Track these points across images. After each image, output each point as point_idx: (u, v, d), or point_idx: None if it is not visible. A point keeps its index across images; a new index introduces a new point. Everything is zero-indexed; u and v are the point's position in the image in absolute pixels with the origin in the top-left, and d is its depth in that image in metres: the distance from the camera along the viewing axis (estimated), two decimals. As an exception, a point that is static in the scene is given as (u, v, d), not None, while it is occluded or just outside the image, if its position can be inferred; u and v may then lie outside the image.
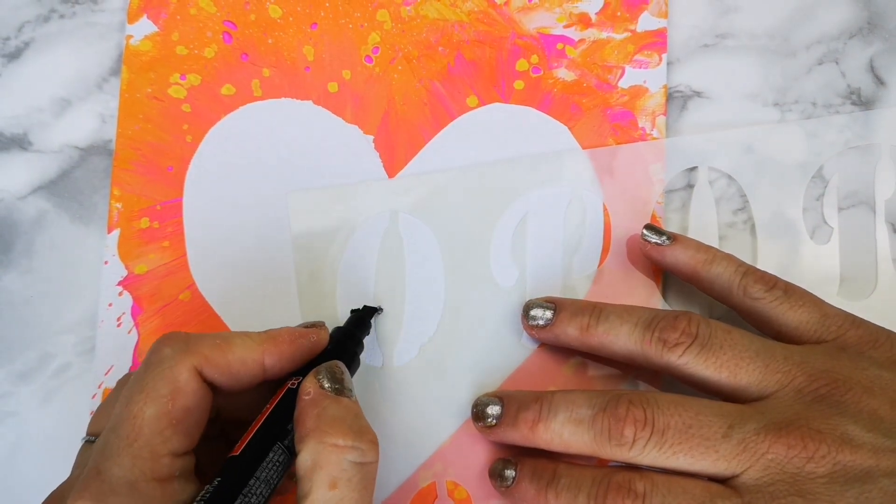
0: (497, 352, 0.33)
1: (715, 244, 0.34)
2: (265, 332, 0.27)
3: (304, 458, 0.24)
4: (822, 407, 0.26)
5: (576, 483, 0.27)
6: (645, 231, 0.32)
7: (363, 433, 0.24)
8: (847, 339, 0.28)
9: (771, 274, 0.30)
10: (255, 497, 0.24)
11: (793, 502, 0.25)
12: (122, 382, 0.28)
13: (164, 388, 0.24)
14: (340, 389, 0.26)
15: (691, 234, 0.34)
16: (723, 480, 0.26)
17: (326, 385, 0.25)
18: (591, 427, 0.27)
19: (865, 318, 0.29)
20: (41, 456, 0.33)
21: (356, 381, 0.29)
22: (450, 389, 0.32)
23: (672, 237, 0.31)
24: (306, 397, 0.25)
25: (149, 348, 0.26)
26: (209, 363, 0.25)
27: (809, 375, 0.27)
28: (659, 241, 0.31)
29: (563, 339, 0.31)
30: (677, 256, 0.31)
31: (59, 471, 0.33)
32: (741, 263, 0.30)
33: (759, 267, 0.33)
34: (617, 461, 0.27)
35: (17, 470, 0.33)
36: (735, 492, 0.26)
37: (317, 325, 0.28)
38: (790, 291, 0.29)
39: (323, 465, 0.23)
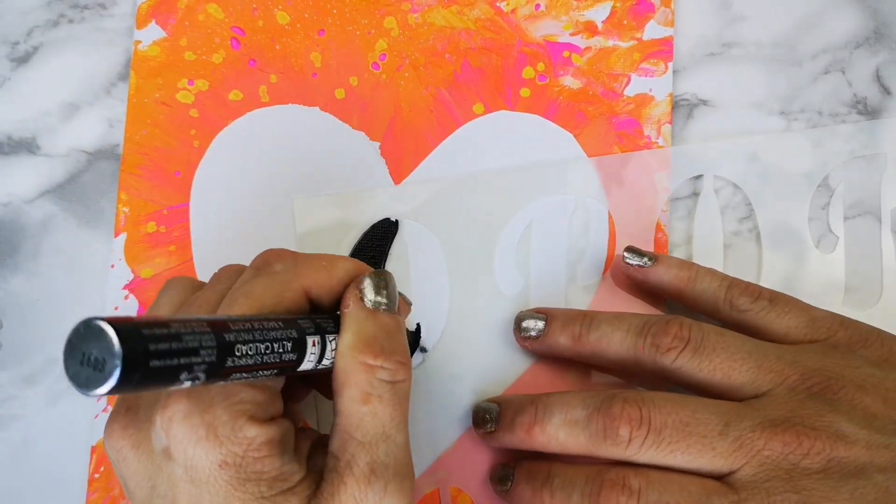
0: (501, 359, 0.33)
1: (720, 253, 0.34)
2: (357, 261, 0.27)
3: (339, 370, 0.25)
4: (816, 404, 0.26)
5: (570, 481, 0.28)
6: (626, 254, 0.32)
7: (393, 353, 0.25)
8: (838, 339, 0.29)
9: (755, 284, 0.30)
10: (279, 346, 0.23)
11: (788, 499, 0.25)
12: (175, 283, 0.27)
13: (270, 301, 0.24)
14: (379, 303, 0.26)
15: (696, 243, 0.34)
16: (719, 477, 0.26)
17: (369, 297, 0.26)
18: (586, 427, 0.27)
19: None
20: (47, 459, 0.33)
21: None
22: (453, 396, 0.32)
23: (653, 257, 0.31)
24: (346, 310, 0.25)
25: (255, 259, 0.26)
26: (317, 284, 0.25)
27: (802, 374, 0.27)
28: (640, 263, 0.31)
29: (556, 350, 0.31)
30: (661, 276, 0.31)
31: (64, 474, 0.33)
32: (725, 277, 0.31)
33: (763, 276, 0.33)
34: (615, 460, 0.27)
35: (23, 473, 0.33)
36: (731, 489, 0.26)
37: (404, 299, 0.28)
38: (776, 300, 0.30)
39: (354, 382, 0.24)
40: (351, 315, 0.25)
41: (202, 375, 0.19)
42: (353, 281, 0.26)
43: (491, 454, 0.32)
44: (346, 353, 0.25)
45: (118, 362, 0.17)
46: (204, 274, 0.34)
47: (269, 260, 0.26)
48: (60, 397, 0.34)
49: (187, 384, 0.19)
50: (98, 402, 0.33)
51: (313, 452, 0.25)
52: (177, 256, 0.34)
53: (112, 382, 0.17)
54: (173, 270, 0.34)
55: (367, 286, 0.26)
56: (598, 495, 0.26)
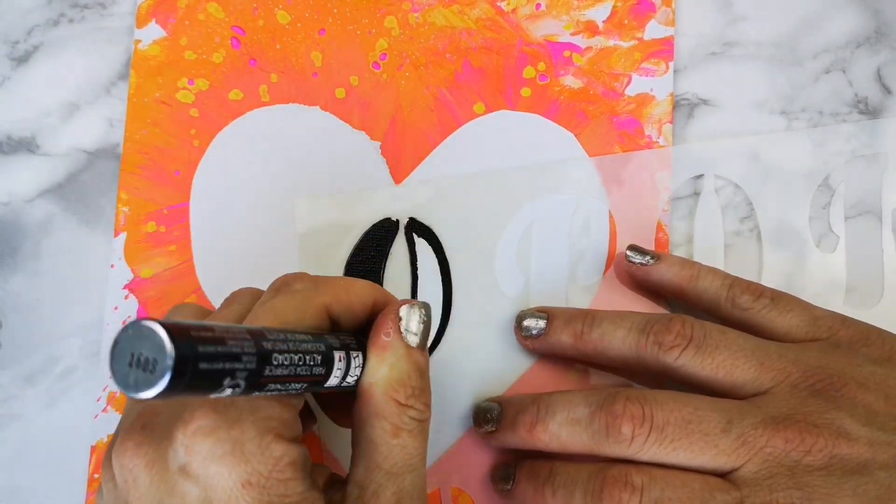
0: (501, 359, 0.33)
1: (721, 252, 0.34)
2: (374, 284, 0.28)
3: (370, 401, 0.25)
4: (818, 401, 0.26)
5: (571, 479, 0.27)
6: (628, 252, 0.32)
7: (423, 393, 0.26)
8: (839, 337, 0.29)
9: (757, 283, 0.30)
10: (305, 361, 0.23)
11: (791, 495, 0.25)
12: (181, 309, 0.27)
13: (293, 317, 0.24)
14: (416, 335, 0.26)
15: (697, 243, 0.34)
16: (721, 475, 0.26)
17: (411, 328, 0.26)
18: (588, 426, 0.27)
19: None
20: (46, 459, 0.33)
21: None
22: (454, 396, 0.32)
23: (656, 256, 0.31)
24: (385, 339, 0.25)
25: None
26: (337, 301, 0.26)
27: (804, 371, 0.27)
28: (643, 262, 0.31)
29: (558, 348, 0.31)
30: (662, 275, 0.31)
31: (64, 474, 0.33)
32: (726, 276, 0.31)
33: (764, 276, 0.33)
34: (617, 459, 0.27)
35: (22, 473, 0.33)
36: (734, 485, 0.26)
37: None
38: (777, 298, 0.30)
39: (385, 415, 0.25)
40: (390, 347, 0.25)
41: (242, 383, 0.19)
42: (392, 306, 0.26)
43: (492, 454, 0.32)
44: (378, 386, 0.25)
45: (170, 362, 0.17)
46: (204, 273, 0.34)
47: (289, 281, 0.26)
48: (60, 397, 0.33)
49: (228, 392, 0.19)
50: (97, 402, 0.33)
51: (329, 486, 0.25)
52: (177, 256, 0.34)
53: (164, 383, 0.17)
54: (173, 270, 0.34)
55: (411, 316, 0.26)
56: (600, 492, 0.26)
